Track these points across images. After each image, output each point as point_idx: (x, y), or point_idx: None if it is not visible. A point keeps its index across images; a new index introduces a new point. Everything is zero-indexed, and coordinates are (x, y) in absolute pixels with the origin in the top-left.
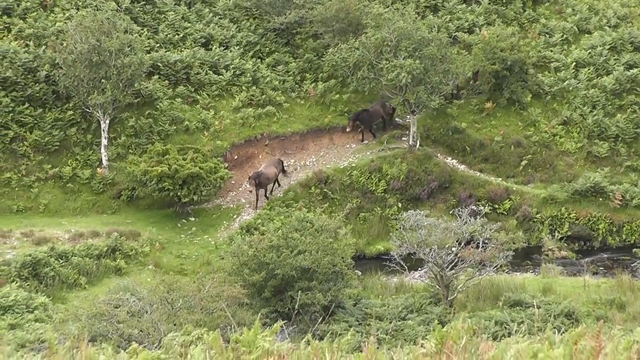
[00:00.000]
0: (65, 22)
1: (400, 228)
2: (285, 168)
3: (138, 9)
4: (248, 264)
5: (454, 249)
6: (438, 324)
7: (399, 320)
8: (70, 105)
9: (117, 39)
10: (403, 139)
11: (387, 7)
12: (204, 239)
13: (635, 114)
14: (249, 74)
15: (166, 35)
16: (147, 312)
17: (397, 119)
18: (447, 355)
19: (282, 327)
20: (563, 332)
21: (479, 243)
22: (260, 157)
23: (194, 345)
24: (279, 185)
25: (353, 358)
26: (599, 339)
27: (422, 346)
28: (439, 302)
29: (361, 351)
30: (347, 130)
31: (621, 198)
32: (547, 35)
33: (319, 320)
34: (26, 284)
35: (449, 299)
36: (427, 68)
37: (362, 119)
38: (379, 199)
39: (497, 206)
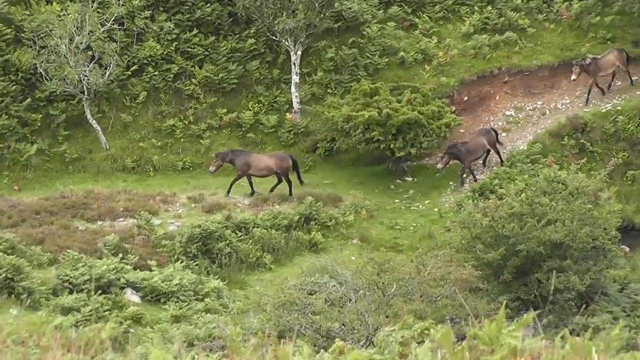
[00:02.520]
0: None
1: None
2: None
3: None
4: (482, 237)
5: None
6: None
7: None
8: (252, 32)
9: None
10: None
11: None
12: (425, 204)
13: None
14: None
15: None
16: (351, 300)
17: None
18: None
19: (533, 318)
20: None
21: None
22: (497, 97)
23: (417, 342)
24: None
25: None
26: None
27: None
28: None
29: (637, 350)
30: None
31: None
32: None
33: (576, 311)
34: (194, 263)
35: None
36: None
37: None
38: None
39: None
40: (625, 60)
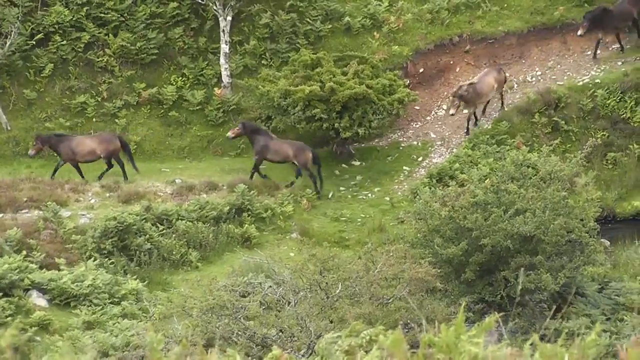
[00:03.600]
0: None
1: None
2: (509, 79)
3: None
4: (440, 230)
5: None
6: None
7: None
8: None
9: None
10: None
11: None
12: (375, 193)
13: None
14: None
15: None
16: (290, 302)
17: None
18: None
19: (497, 322)
20: None
21: None
22: (457, 69)
23: (364, 351)
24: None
25: None
26: None
27: None
28: None
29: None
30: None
31: None
32: None
33: (548, 314)
34: (109, 261)
35: None
36: None
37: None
38: (636, 132)
39: None
40: (504, 81)
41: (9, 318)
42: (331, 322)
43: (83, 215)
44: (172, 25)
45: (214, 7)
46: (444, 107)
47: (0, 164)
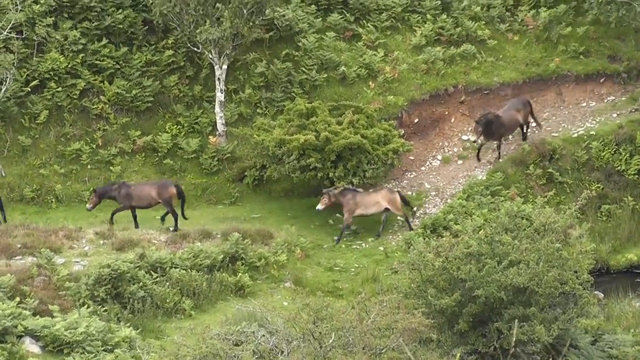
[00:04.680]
0: None
1: None
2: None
3: None
4: (434, 280)
5: None
6: None
7: None
8: (170, 42)
9: None
10: None
11: None
12: (369, 242)
13: None
14: None
15: None
16: (283, 352)
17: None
18: None
19: None
20: None
21: None
22: (452, 119)
23: None
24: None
25: None
26: None
27: None
28: None
29: None
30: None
31: None
32: None
33: None
34: (103, 309)
35: None
36: None
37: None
38: (630, 184)
39: None
40: (401, 202)
41: None
42: None
43: (77, 262)
44: (168, 73)
45: (210, 56)
46: (439, 157)
47: None
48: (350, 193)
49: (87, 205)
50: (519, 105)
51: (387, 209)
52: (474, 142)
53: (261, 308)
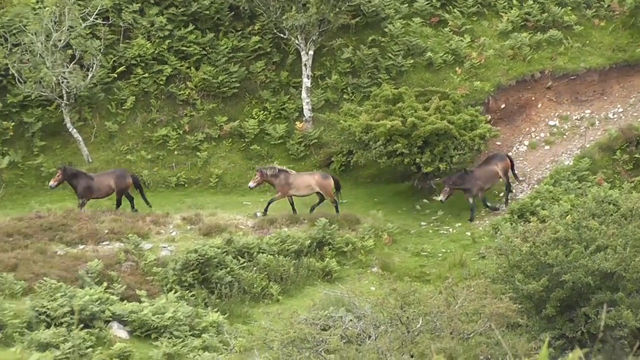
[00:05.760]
0: None
1: None
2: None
3: None
4: (521, 265)
5: None
6: None
7: None
8: (256, 28)
9: None
10: None
11: None
12: (456, 228)
13: None
14: None
15: None
16: (370, 336)
17: None
18: None
19: (580, 358)
20: None
21: None
22: (539, 105)
23: None
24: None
25: None
26: None
27: None
28: None
29: None
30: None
31: None
32: None
33: (629, 351)
34: (190, 294)
35: None
36: None
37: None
38: None
39: None
40: (332, 187)
41: (90, 349)
42: (412, 356)
43: (164, 247)
44: (254, 59)
45: (296, 42)
46: (525, 143)
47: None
48: (283, 174)
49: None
50: (497, 160)
51: (318, 192)
52: (441, 201)
53: (348, 293)
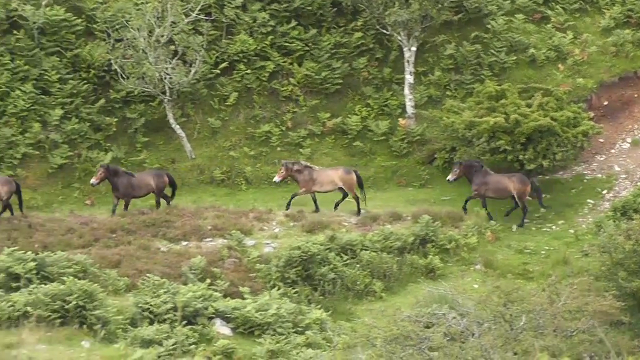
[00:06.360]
0: None
1: None
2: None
3: None
4: (625, 263)
5: None
6: None
7: None
8: (359, 24)
9: None
10: None
11: None
12: (559, 225)
13: None
14: None
15: None
16: (473, 334)
17: None
18: None
19: None
20: None
21: None
22: None
23: None
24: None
25: None
26: None
27: None
28: None
29: None
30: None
31: None
32: None
33: None
34: (293, 290)
35: None
36: None
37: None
38: None
39: None
40: (355, 183)
41: (193, 346)
42: (515, 354)
43: (267, 244)
44: (357, 55)
45: (399, 38)
46: (628, 140)
47: (184, 192)
48: (307, 170)
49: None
50: (513, 178)
51: (341, 188)
52: (448, 180)
53: (452, 290)
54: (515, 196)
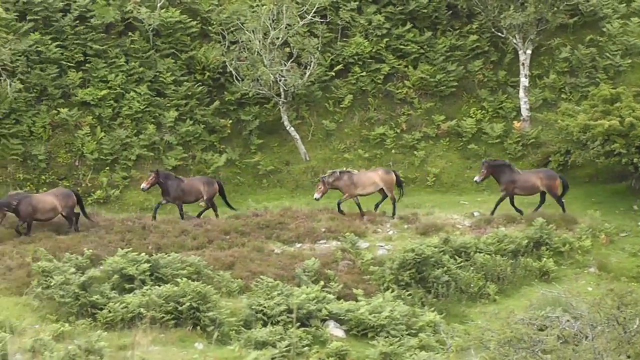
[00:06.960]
0: None
1: None
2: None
3: None
4: None
5: None
6: None
7: None
8: (474, 27)
9: None
10: None
11: None
12: None
13: None
14: None
15: None
16: (587, 337)
17: None
18: None
19: None
20: None
21: None
22: None
23: None
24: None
25: None
26: None
27: None
28: None
29: None
30: (475, 179)
31: None
32: None
33: None
34: (407, 293)
35: None
36: None
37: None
38: None
39: None
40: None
41: (306, 348)
42: (628, 357)
43: (381, 246)
44: (472, 58)
45: (514, 41)
46: None
47: (298, 194)
48: (346, 175)
49: (143, 185)
50: (540, 173)
51: (382, 189)
52: (476, 181)
53: (566, 293)
54: (545, 191)
